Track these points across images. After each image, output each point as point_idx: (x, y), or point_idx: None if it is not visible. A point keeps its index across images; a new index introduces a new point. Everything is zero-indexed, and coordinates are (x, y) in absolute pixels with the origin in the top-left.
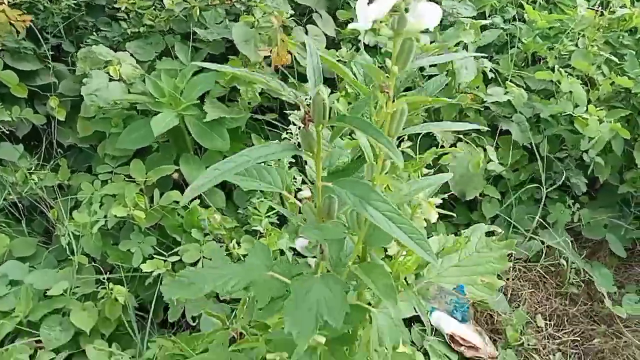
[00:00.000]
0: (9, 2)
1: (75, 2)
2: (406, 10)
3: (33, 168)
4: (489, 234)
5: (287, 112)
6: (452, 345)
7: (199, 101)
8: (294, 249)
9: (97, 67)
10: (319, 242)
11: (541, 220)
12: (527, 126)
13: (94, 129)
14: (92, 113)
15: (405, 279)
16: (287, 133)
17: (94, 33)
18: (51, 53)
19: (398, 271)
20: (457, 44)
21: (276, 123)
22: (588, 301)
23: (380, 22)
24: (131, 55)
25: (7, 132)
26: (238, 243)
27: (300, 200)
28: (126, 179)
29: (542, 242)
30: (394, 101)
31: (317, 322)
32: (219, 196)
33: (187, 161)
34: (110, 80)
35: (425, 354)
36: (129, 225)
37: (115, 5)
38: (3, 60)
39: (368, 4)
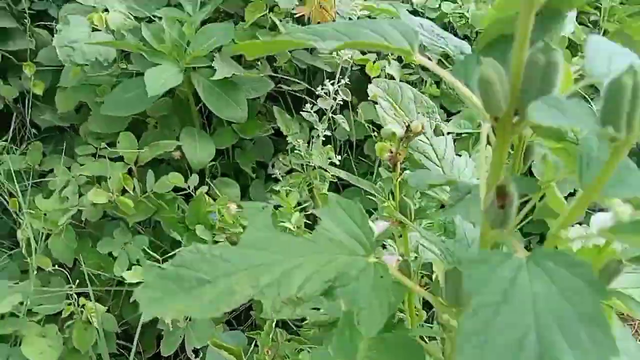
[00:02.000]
0: None
1: None
2: None
3: None
4: None
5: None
6: None
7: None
8: None
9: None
10: None
11: None
12: None
13: (75, 99)
14: (73, 81)
15: None
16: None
17: None
18: (32, 12)
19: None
20: None
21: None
22: None
23: None
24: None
25: None
26: None
27: None
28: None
29: None
30: None
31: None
32: (232, 188)
33: (191, 135)
34: (94, 30)
35: None
36: (113, 222)
37: None
38: None
39: None
